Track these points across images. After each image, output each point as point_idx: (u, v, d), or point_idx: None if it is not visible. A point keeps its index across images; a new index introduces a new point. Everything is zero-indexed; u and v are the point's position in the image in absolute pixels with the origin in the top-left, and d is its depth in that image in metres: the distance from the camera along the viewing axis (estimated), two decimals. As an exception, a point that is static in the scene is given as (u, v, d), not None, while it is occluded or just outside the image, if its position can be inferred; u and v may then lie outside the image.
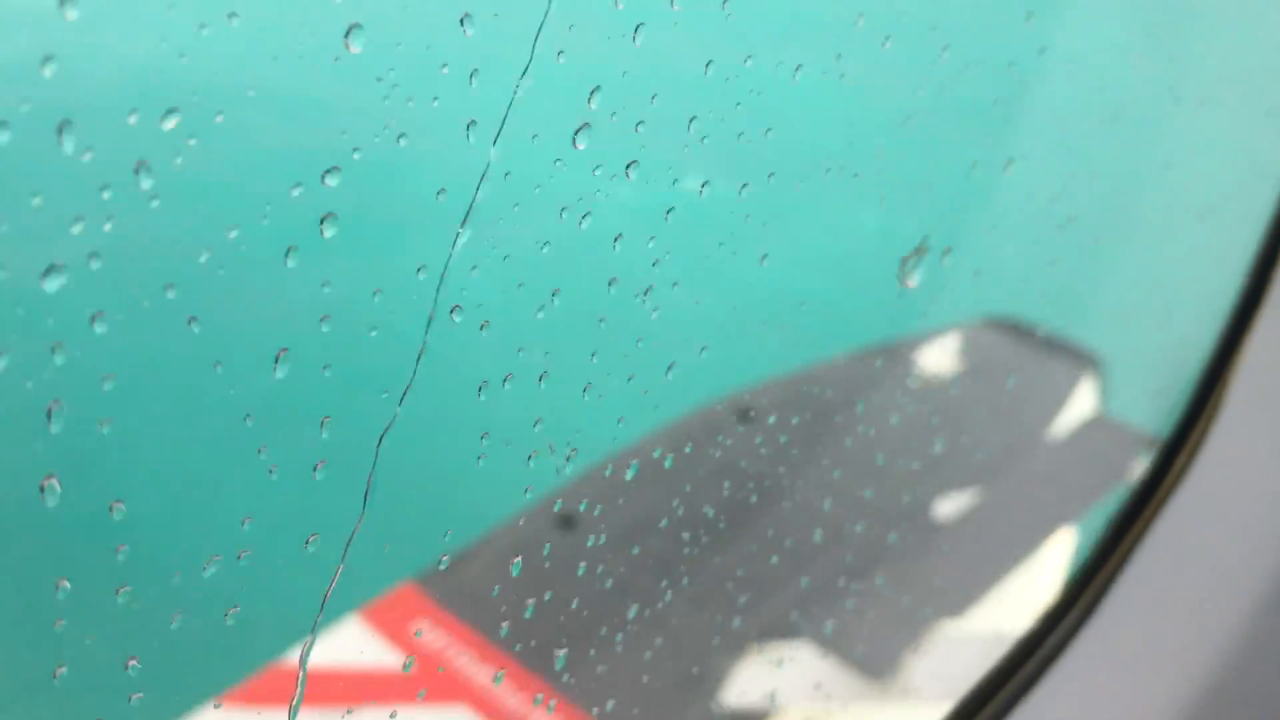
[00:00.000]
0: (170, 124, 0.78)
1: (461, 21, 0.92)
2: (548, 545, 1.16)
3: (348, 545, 0.92)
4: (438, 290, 0.94)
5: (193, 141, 0.78)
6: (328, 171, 0.86)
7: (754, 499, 1.50)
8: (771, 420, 1.48)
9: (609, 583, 1.30)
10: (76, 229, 0.73)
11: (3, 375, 0.67)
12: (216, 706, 1.51)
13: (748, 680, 1.67)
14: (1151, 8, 1.69)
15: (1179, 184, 1.85)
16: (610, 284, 1.06)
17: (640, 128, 1.08)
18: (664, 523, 1.40)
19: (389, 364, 0.90)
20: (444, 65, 0.93)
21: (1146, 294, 1.84)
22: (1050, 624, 1.53)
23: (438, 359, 0.93)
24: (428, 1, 0.89)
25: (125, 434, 0.82)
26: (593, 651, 1.42)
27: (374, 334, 0.88)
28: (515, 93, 1.00)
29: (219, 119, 0.79)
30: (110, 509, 0.79)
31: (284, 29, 0.82)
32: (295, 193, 0.85)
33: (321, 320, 0.86)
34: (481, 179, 0.97)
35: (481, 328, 0.96)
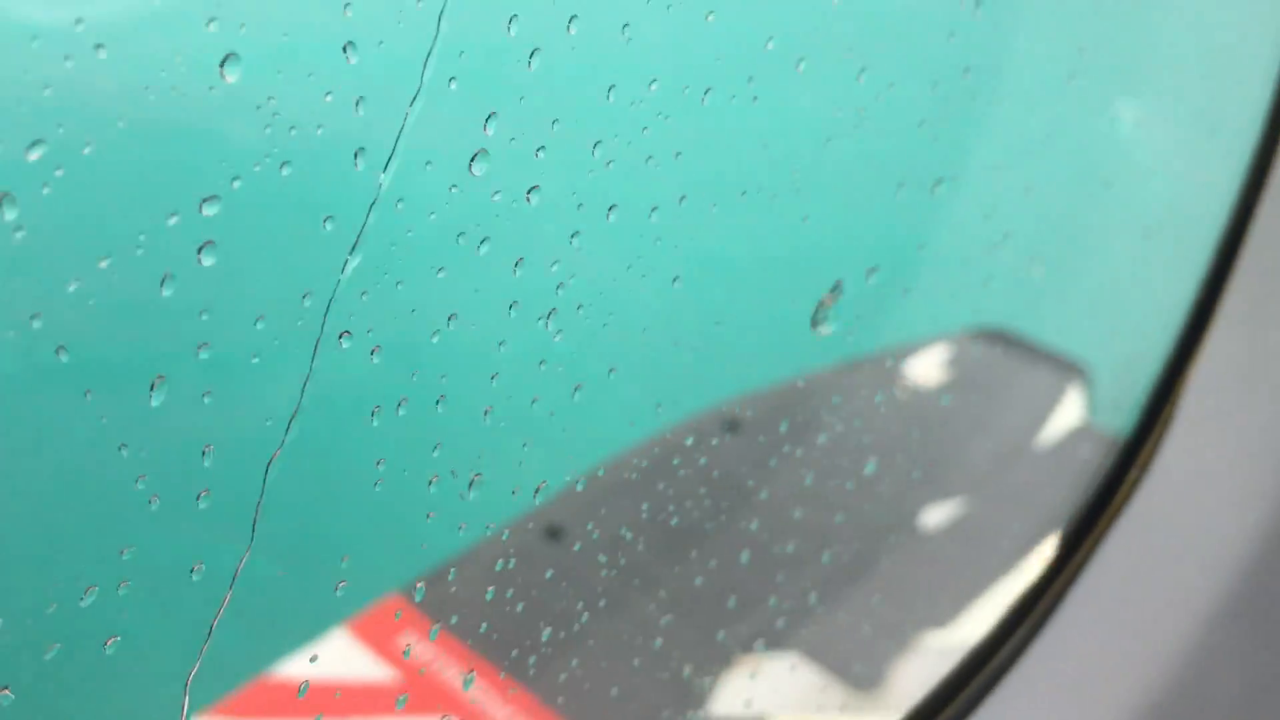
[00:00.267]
0: (35, 155, 0.78)
1: (344, 49, 0.93)
2: (533, 556, 1.16)
3: (235, 575, 0.92)
4: (325, 316, 0.94)
5: (59, 172, 0.79)
6: (205, 200, 0.87)
7: (676, 522, 1.50)
8: (688, 441, 1.48)
9: (597, 591, 1.31)
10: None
11: None
12: None
13: (730, 690, 1.67)
14: (1082, 27, 1.70)
15: (1118, 202, 1.86)
16: (510, 307, 1.06)
17: (541, 153, 1.09)
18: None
19: (274, 391, 0.90)
20: (328, 93, 0.93)
21: (1086, 311, 1.85)
22: (1006, 631, 1.53)
23: (327, 385, 0.93)
24: (307, 31, 0.89)
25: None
26: (575, 661, 1.42)
27: (256, 361, 0.88)
28: (405, 120, 1.00)
29: (87, 150, 0.79)
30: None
31: (155, 60, 0.82)
32: (171, 221, 0.85)
33: (199, 348, 0.86)
34: (371, 206, 0.98)
35: (372, 353, 0.96)
